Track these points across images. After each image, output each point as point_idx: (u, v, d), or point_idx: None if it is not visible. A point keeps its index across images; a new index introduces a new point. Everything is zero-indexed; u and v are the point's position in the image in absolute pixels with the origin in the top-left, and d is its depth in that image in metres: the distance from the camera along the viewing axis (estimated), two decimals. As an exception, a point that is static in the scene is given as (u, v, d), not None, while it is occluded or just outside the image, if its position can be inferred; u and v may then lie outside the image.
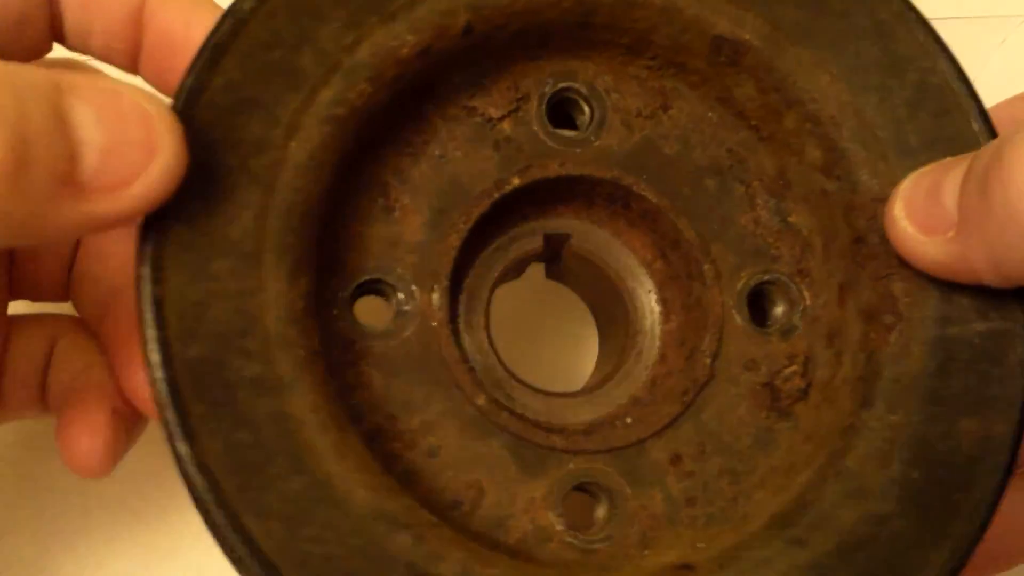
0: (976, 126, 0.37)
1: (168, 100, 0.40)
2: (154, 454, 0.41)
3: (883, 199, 0.37)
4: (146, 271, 0.32)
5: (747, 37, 0.38)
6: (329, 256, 0.37)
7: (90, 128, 0.31)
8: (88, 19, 0.38)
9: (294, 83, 0.34)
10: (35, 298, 0.41)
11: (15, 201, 0.29)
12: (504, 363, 0.40)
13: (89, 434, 0.39)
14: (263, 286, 0.33)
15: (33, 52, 0.39)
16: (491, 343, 0.40)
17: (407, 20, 0.36)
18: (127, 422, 0.41)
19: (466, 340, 0.40)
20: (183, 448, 0.31)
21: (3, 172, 0.29)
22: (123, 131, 0.31)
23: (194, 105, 0.33)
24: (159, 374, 0.32)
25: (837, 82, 0.37)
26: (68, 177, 0.30)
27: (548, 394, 0.40)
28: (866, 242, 0.37)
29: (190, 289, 0.32)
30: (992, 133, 0.37)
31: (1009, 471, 0.36)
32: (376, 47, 0.35)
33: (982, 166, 0.33)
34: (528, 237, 0.41)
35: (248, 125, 0.34)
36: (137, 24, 0.38)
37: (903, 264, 0.36)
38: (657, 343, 0.41)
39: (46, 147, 0.30)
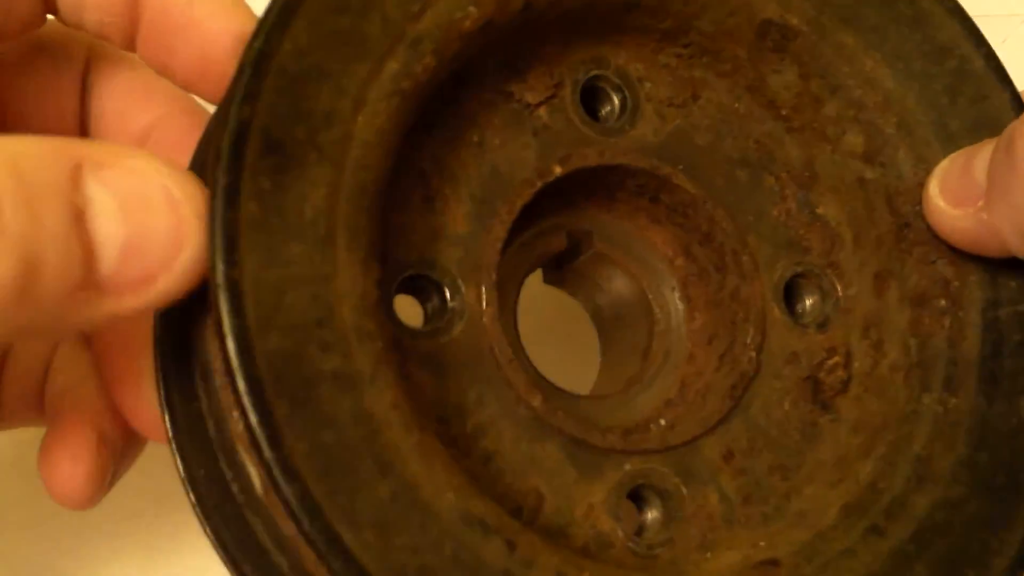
0: (1013, 110, 0.38)
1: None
2: (153, 454, 0.39)
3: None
4: (219, 250, 0.29)
5: (795, 22, 0.37)
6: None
7: (111, 222, 0.28)
8: None
9: (361, 52, 0.32)
10: None
11: (25, 313, 0.27)
12: (534, 365, 0.38)
13: (71, 460, 0.35)
14: (337, 272, 0.30)
15: (26, 24, 0.35)
16: (520, 343, 0.38)
17: None
18: (116, 449, 0.37)
19: None
20: (269, 452, 0.28)
21: (10, 289, 0.26)
22: (147, 223, 0.28)
23: (264, 71, 0.30)
24: (239, 368, 0.28)
25: (881, 68, 0.37)
26: (84, 281, 0.28)
27: (579, 397, 0.38)
28: (913, 227, 0.37)
29: (266, 274, 0.29)
30: None
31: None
32: (440, 18, 0.33)
33: (1008, 133, 0.33)
34: (552, 234, 0.39)
35: (317, 96, 0.31)
36: None
37: (951, 248, 0.36)
38: (685, 343, 0.39)
39: (60, 255, 0.27)
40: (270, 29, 0.30)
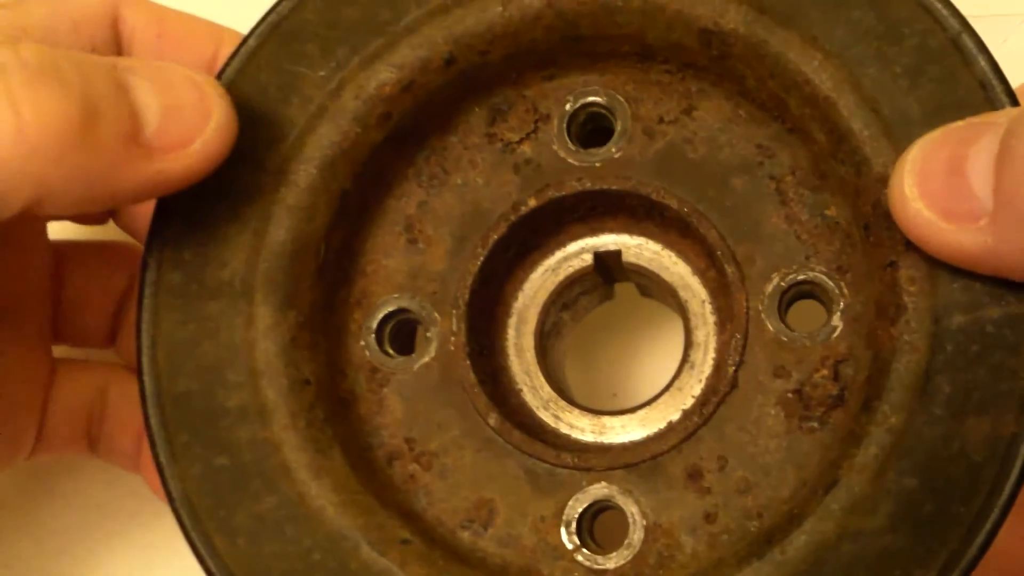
0: (988, 84, 0.33)
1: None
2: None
3: (886, 179, 0.33)
4: (144, 316, 0.36)
5: (732, 26, 0.35)
6: (357, 289, 0.39)
7: (148, 94, 0.34)
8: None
9: (281, 132, 0.37)
10: (80, 343, 0.45)
11: (87, 154, 0.32)
12: (555, 384, 0.40)
13: None
14: (252, 322, 0.36)
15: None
16: (540, 365, 0.40)
17: (387, 60, 0.37)
18: None
19: (514, 364, 0.40)
20: (166, 473, 0.35)
21: (74, 126, 0.32)
22: (178, 97, 0.34)
23: None
24: (149, 407, 0.36)
25: (830, 59, 0.34)
26: (133, 135, 0.34)
27: (598, 413, 0.40)
28: (872, 229, 0.34)
29: (181, 329, 0.36)
30: (1009, 92, 0.33)
31: (1020, 479, 0.31)
32: (359, 89, 0.37)
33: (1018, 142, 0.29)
34: (577, 256, 0.41)
35: (240, 176, 0.37)
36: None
37: (909, 249, 0.33)
38: (712, 355, 0.39)
39: (110, 107, 0.33)
40: None
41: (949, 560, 0.31)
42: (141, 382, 0.36)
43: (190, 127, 0.34)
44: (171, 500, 0.35)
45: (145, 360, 0.36)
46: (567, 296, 0.42)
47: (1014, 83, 0.33)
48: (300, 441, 0.35)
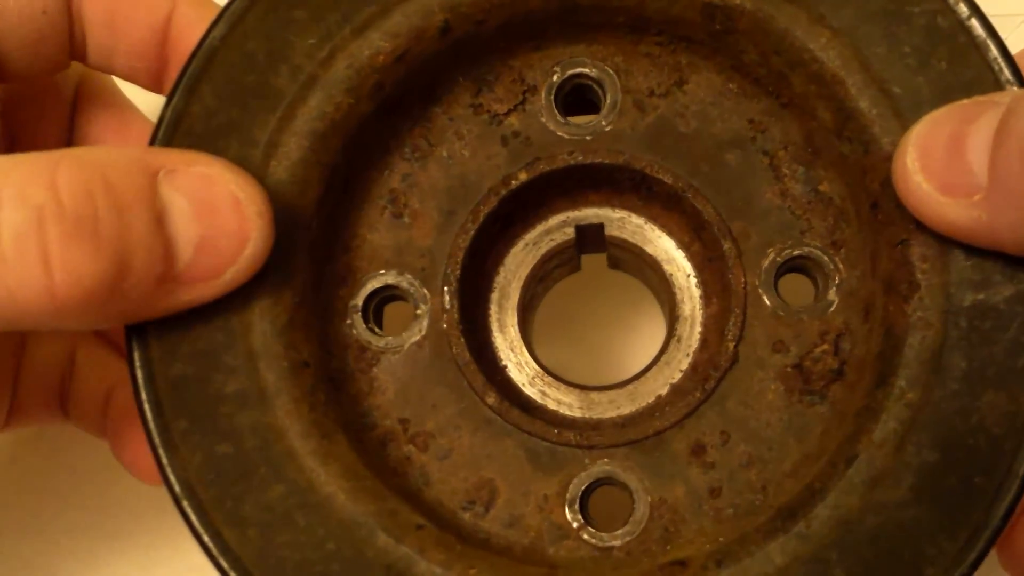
0: (997, 67, 0.34)
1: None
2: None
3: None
4: None
5: (738, 1, 0.35)
6: (341, 266, 0.38)
7: (186, 224, 0.32)
8: (113, 38, 0.39)
9: (271, 103, 0.35)
10: None
11: (115, 305, 0.32)
12: (539, 360, 0.40)
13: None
14: (247, 303, 0.35)
15: (51, 68, 0.40)
16: (524, 340, 0.40)
17: (381, 28, 0.36)
18: None
19: (497, 340, 0.40)
20: (165, 462, 0.33)
21: (105, 285, 0.31)
22: (217, 224, 0.32)
23: (172, 136, 0.35)
24: (143, 393, 0.34)
25: (838, 37, 0.35)
26: (164, 275, 0.32)
27: (585, 389, 0.40)
28: (881, 207, 0.35)
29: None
30: (1018, 75, 0.34)
31: (1039, 450, 0.32)
32: (351, 59, 0.36)
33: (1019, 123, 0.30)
34: (559, 230, 0.40)
35: (226, 149, 0.35)
36: (162, 43, 0.39)
37: (920, 227, 0.33)
38: (699, 329, 0.39)
39: (144, 256, 0.31)
40: (178, 98, 0.35)
41: (974, 531, 0.32)
42: (132, 368, 0.34)
43: (223, 260, 0.33)
44: (172, 492, 0.33)
45: (135, 344, 0.34)
46: (544, 269, 0.41)
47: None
48: (305, 426, 0.34)
